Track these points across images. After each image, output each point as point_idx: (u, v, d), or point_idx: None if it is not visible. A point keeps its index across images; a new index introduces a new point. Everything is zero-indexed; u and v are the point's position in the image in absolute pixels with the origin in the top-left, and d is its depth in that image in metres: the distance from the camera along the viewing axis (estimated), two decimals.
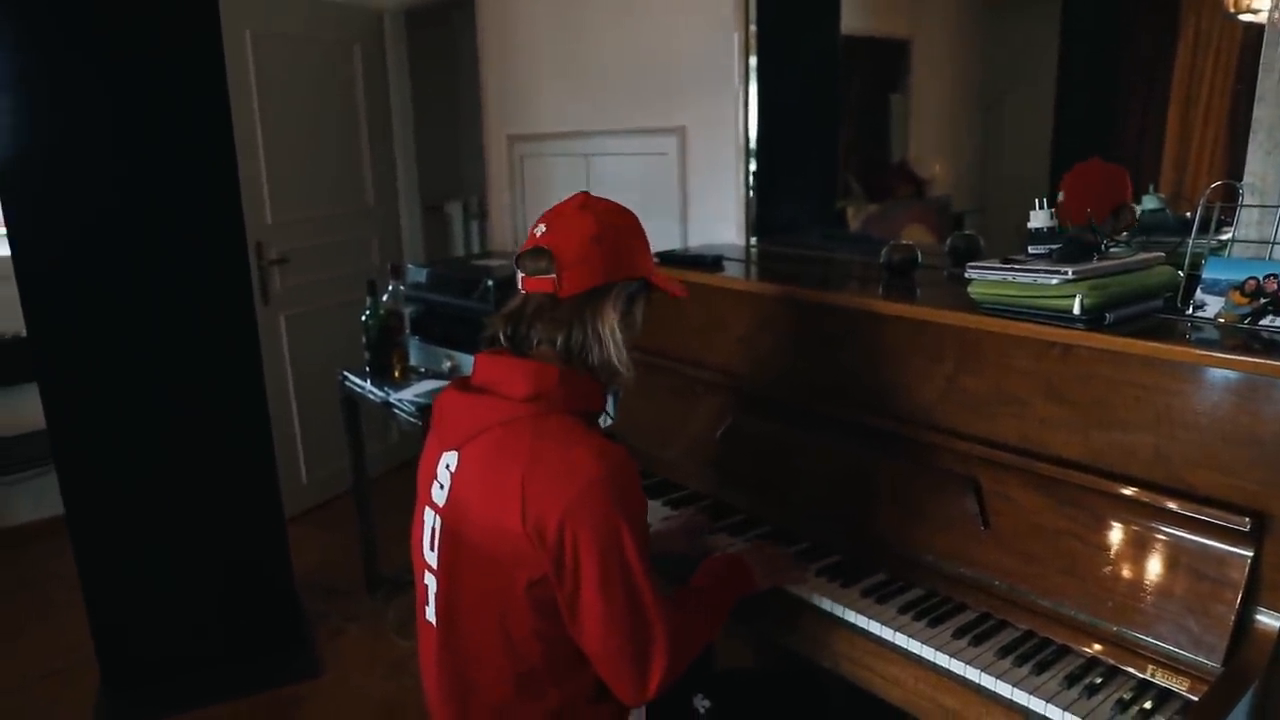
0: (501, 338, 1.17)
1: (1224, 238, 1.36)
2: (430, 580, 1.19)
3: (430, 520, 1.18)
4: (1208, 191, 1.34)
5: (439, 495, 1.16)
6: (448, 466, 1.15)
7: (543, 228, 1.15)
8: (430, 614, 1.20)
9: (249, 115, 2.94)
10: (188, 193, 2.08)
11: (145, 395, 2.11)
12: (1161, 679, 1.10)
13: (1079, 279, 1.22)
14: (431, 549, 1.18)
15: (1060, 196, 1.55)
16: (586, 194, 1.19)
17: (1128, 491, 1.17)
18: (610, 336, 1.14)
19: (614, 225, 1.15)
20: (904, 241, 1.71)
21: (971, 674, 1.15)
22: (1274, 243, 1.31)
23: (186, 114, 2.06)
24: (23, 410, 2.98)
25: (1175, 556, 1.13)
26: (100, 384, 2.08)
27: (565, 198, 1.20)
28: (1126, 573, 1.16)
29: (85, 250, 2.02)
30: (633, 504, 1.08)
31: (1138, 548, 1.16)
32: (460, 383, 1.20)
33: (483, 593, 1.12)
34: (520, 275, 1.16)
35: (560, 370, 1.12)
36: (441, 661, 1.18)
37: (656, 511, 1.65)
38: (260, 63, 2.99)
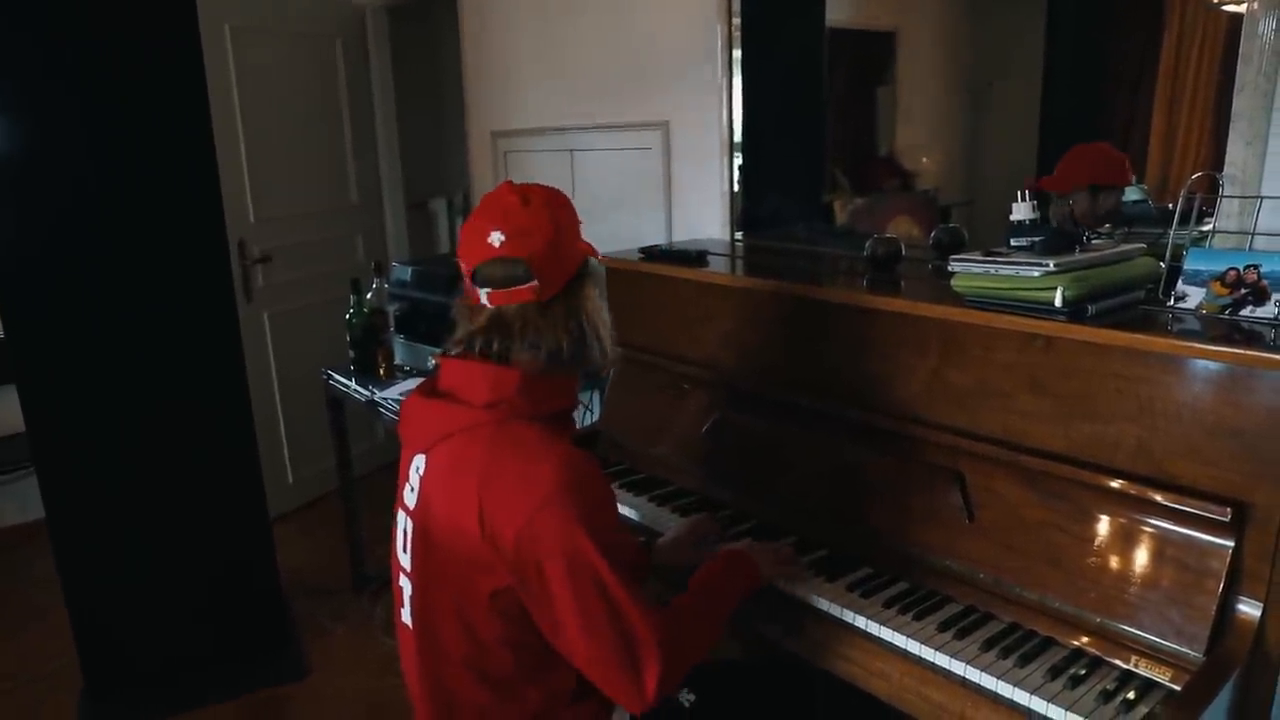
0: (477, 349, 1.12)
1: (1205, 229, 1.36)
2: (405, 583, 1.19)
3: (402, 523, 1.18)
4: (1189, 182, 1.34)
5: (410, 498, 1.16)
6: (417, 470, 1.15)
7: (499, 236, 1.07)
8: (406, 616, 1.19)
9: (229, 111, 2.91)
10: (167, 190, 2.05)
11: (126, 396, 2.09)
12: (1145, 669, 1.10)
13: (1061, 271, 1.22)
14: (404, 551, 1.18)
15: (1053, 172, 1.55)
16: (509, 184, 1.12)
17: (1111, 483, 1.17)
18: (601, 324, 1.12)
19: (560, 212, 1.12)
20: (889, 235, 1.71)
21: (956, 667, 1.15)
22: (1254, 233, 1.31)
23: (164, 110, 2.03)
24: (3, 412, 2.94)
25: (1158, 547, 1.13)
26: (80, 385, 2.05)
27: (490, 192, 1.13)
28: (1110, 564, 1.16)
29: (62, 250, 1.99)
30: (596, 512, 1.06)
31: (1121, 539, 1.16)
32: (425, 387, 1.18)
33: (451, 597, 1.12)
34: (484, 291, 1.09)
35: (521, 375, 1.09)
36: (420, 664, 1.17)
37: (649, 511, 1.64)
38: (240, 58, 2.96)
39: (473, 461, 1.07)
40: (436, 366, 1.19)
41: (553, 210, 1.11)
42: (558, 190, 1.16)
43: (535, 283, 1.08)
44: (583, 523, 1.03)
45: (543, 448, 1.07)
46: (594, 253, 1.17)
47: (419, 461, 1.14)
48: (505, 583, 1.06)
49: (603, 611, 1.04)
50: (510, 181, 1.14)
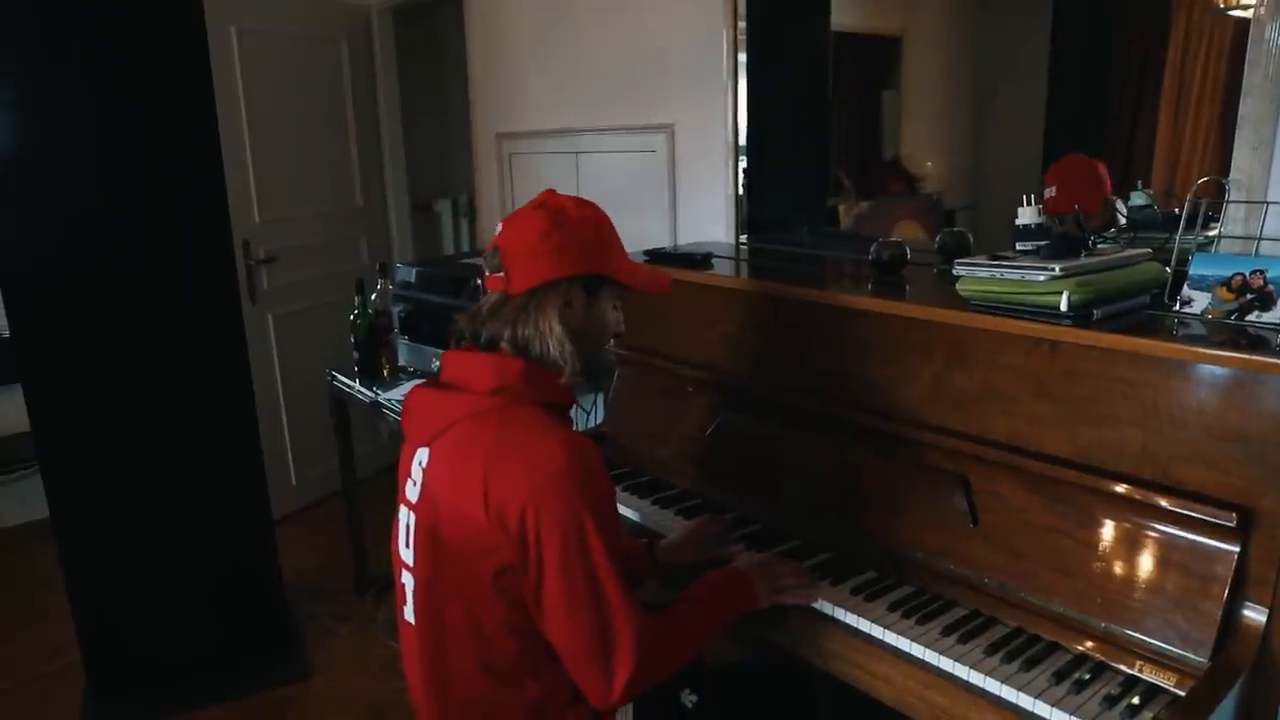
0: (467, 335, 1.19)
1: (1211, 234, 1.36)
2: (407, 578, 1.19)
3: (405, 518, 1.19)
4: (1195, 187, 1.34)
5: (412, 492, 1.17)
6: (420, 463, 1.16)
7: (500, 227, 1.18)
8: (409, 612, 1.19)
9: (235, 113, 2.92)
10: (173, 191, 2.06)
11: (130, 396, 2.09)
12: (1149, 674, 1.10)
13: (1066, 275, 1.22)
14: (407, 546, 1.18)
15: (1051, 191, 1.55)
16: (550, 191, 1.20)
17: (1116, 488, 1.17)
18: (549, 332, 1.13)
19: (567, 221, 1.15)
20: (894, 239, 1.71)
21: (960, 671, 1.15)
22: (1260, 238, 1.31)
23: (171, 111, 2.03)
24: (6, 412, 2.95)
25: (1163, 552, 1.13)
26: (85, 385, 2.05)
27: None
28: (1115, 569, 1.16)
29: (68, 250, 1.99)
30: (597, 493, 1.08)
31: (1126, 544, 1.16)
32: (430, 380, 1.21)
33: (455, 587, 1.12)
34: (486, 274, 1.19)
35: (524, 364, 1.13)
36: (421, 658, 1.18)
37: (652, 513, 1.64)
38: (246, 60, 2.97)
39: (479, 444, 1.09)
40: (440, 365, 1.21)
41: (556, 217, 1.14)
42: (590, 208, 1.20)
43: (502, 273, 1.13)
44: (586, 503, 1.05)
45: (548, 428, 1.10)
46: (624, 275, 1.20)
47: (422, 455, 1.15)
48: (508, 560, 1.06)
49: (589, 595, 1.05)
50: (553, 190, 1.20)
